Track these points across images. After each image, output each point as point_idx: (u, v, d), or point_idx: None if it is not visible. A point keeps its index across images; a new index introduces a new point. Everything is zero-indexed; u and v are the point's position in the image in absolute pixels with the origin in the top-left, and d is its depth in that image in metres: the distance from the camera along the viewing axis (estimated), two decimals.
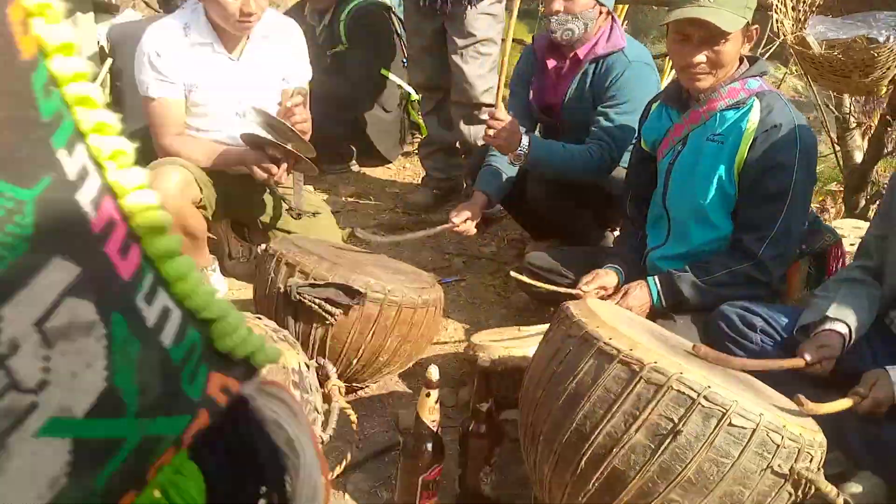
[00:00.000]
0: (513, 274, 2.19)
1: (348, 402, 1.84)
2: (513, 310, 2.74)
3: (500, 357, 2.08)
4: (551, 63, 2.72)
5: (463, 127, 3.34)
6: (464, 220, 2.54)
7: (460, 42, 3.16)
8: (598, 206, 2.74)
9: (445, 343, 2.52)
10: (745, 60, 2.07)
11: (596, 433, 1.39)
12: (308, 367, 1.68)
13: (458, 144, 3.50)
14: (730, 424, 1.32)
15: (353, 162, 4.08)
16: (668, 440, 1.34)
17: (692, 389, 1.33)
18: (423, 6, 3.11)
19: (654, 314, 2.04)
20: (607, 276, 2.17)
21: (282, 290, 1.97)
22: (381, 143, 4.03)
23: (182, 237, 2.34)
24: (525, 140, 2.44)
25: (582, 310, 1.57)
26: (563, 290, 2.12)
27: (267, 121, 2.32)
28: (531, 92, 2.78)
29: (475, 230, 2.61)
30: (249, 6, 2.33)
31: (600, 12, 2.57)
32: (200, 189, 2.43)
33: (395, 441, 1.99)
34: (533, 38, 2.91)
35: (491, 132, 2.44)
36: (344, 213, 3.53)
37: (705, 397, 1.32)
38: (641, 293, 2.06)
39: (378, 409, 2.17)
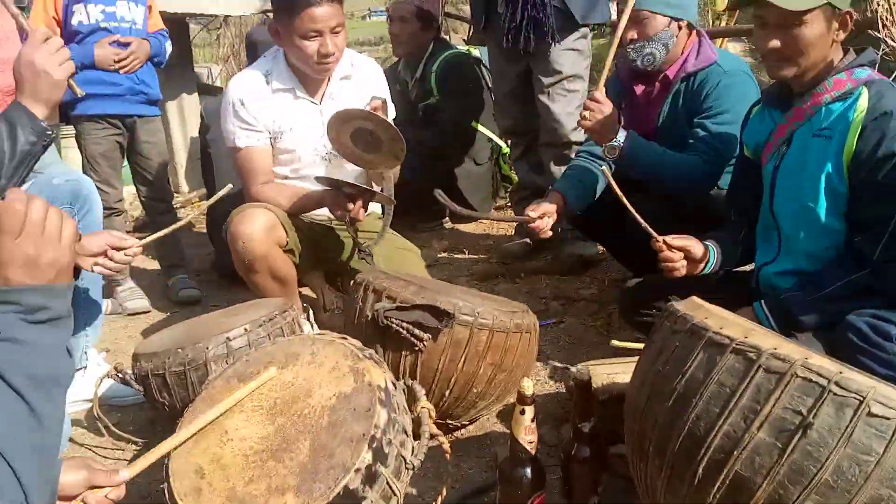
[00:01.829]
0: (615, 343, 2.05)
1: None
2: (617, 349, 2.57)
3: (603, 385, 1.94)
4: (639, 89, 2.62)
5: (554, 168, 3.27)
6: (540, 216, 2.41)
7: (546, 80, 3.13)
8: (701, 229, 2.57)
9: (545, 383, 2.38)
10: (851, 50, 1.91)
11: (712, 435, 1.23)
12: (395, 385, 1.58)
13: (549, 188, 3.41)
14: (869, 414, 1.13)
15: (446, 218, 4.06)
16: (797, 437, 1.16)
17: (821, 376, 1.16)
18: (507, 47, 3.10)
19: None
20: (698, 244, 2.01)
21: (369, 317, 1.91)
22: (473, 197, 4.00)
23: (271, 282, 2.37)
24: (622, 133, 2.34)
25: (687, 304, 1.42)
26: (644, 224, 1.94)
27: (352, 125, 2.33)
28: (622, 117, 2.69)
29: (550, 232, 2.47)
30: (327, 47, 2.37)
31: (679, 28, 2.46)
32: (286, 232, 2.43)
33: (494, 480, 1.86)
34: (616, 65, 2.83)
35: (587, 114, 2.35)
36: (438, 266, 3.48)
37: (837, 383, 1.15)
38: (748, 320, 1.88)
39: (475, 450, 2.04)
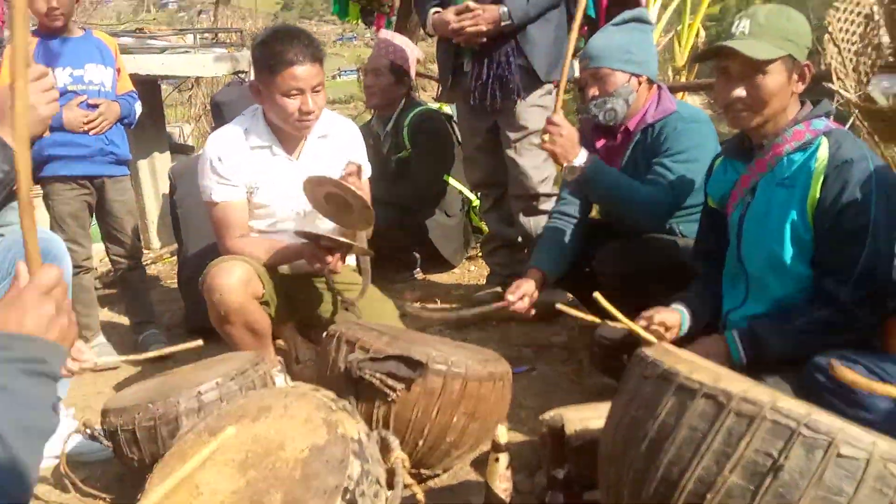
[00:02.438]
0: (559, 307, 2.03)
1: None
2: (588, 395, 2.58)
3: (576, 431, 1.94)
4: (600, 143, 2.70)
5: (523, 219, 3.31)
6: (520, 298, 2.43)
7: (513, 136, 3.19)
8: (675, 286, 2.61)
9: (518, 431, 2.37)
10: (808, 102, 1.99)
11: (685, 479, 1.24)
12: (369, 436, 1.58)
13: (519, 239, 3.45)
14: (838, 455, 1.15)
15: (418, 270, 4.08)
16: (768, 479, 1.18)
17: (790, 418, 1.18)
18: (474, 104, 3.16)
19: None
20: (670, 313, 2.03)
21: (342, 368, 1.91)
22: (444, 248, 4.03)
23: (245, 334, 2.36)
24: (584, 153, 2.39)
25: (657, 350, 1.44)
26: (623, 320, 1.94)
27: (325, 190, 2.35)
28: None
29: (532, 312, 2.48)
30: (308, 105, 2.40)
31: (639, 83, 2.54)
32: (263, 284, 2.43)
33: None
34: (580, 118, 2.90)
35: (547, 137, 2.39)
36: (410, 317, 3.47)
37: (806, 425, 1.17)
38: (717, 345, 1.90)
39: (449, 498, 2.02)
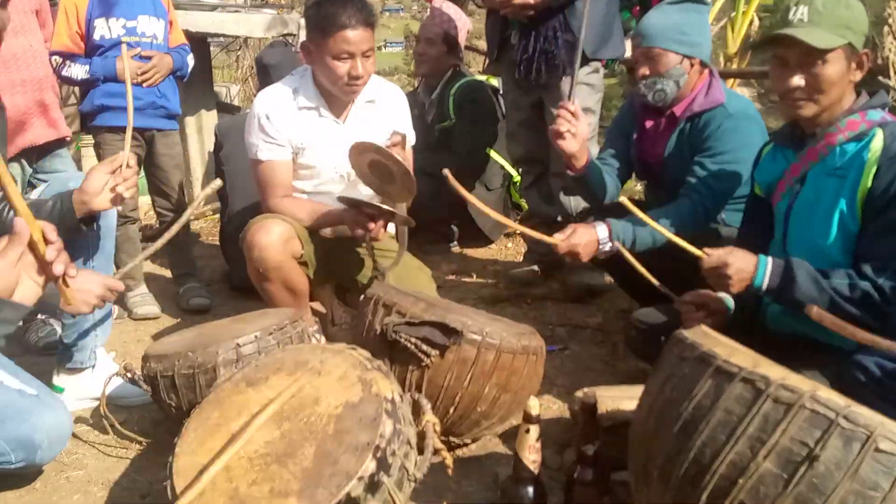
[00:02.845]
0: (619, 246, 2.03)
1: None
2: (621, 377, 2.58)
3: (608, 411, 1.94)
4: (649, 123, 2.66)
5: (563, 198, 3.29)
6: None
7: (557, 112, 3.16)
8: None
9: (548, 408, 2.38)
10: (864, 93, 1.95)
11: (718, 462, 1.23)
12: (402, 397, 1.60)
13: (558, 218, 3.44)
14: (876, 450, 1.14)
15: (455, 243, 4.09)
16: (802, 468, 1.17)
17: (829, 408, 1.17)
18: (519, 78, 3.14)
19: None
20: (715, 298, 2.01)
21: (378, 330, 1.92)
22: (483, 223, 4.02)
23: (283, 292, 2.39)
24: (602, 233, 2.31)
25: (696, 332, 1.43)
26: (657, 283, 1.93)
27: (370, 157, 2.35)
28: (632, 147, 2.72)
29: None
30: (357, 70, 2.41)
31: (691, 65, 2.50)
32: (302, 245, 2.46)
33: (493, 500, 1.86)
34: (631, 94, 2.86)
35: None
36: (445, 288, 3.49)
37: (845, 417, 1.16)
38: (745, 261, 1.87)
39: (477, 469, 2.04)
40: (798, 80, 1.87)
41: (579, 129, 2.42)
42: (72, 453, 2.10)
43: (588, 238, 2.31)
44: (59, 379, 2.33)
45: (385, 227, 2.43)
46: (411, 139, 2.72)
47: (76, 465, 2.07)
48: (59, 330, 2.59)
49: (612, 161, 2.76)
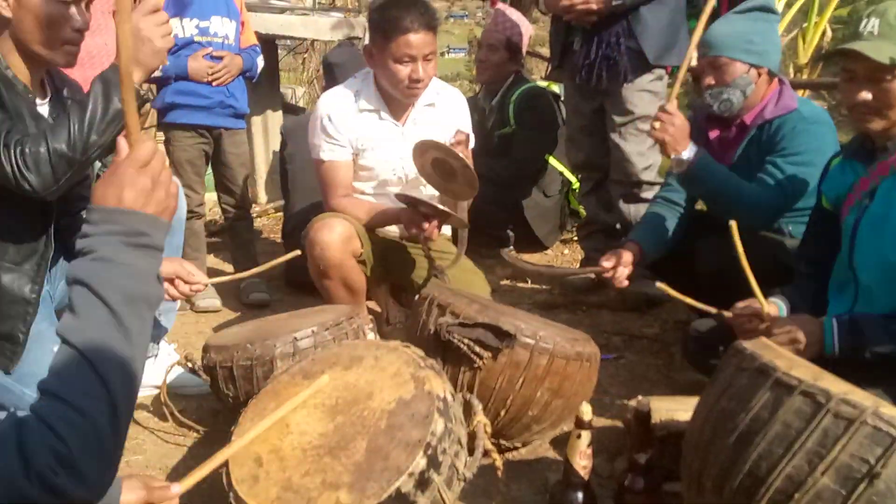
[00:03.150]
0: (658, 285, 1.98)
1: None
2: (676, 388, 2.54)
3: (662, 420, 1.92)
4: (714, 133, 2.61)
5: (623, 206, 3.26)
6: (614, 266, 2.39)
7: (618, 119, 3.14)
8: (772, 281, 2.52)
9: (601, 416, 2.36)
10: None
11: (773, 476, 1.22)
12: (454, 397, 1.61)
13: (617, 226, 3.40)
14: None
15: (511, 248, 4.08)
16: (862, 485, 1.14)
17: (892, 426, 1.14)
18: (581, 83, 3.12)
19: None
20: (768, 304, 1.97)
21: (432, 330, 1.94)
22: (539, 229, 4.01)
23: (341, 290, 2.43)
24: (692, 147, 2.34)
25: (755, 343, 1.41)
26: (713, 310, 1.91)
27: (434, 154, 2.38)
28: None
29: (627, 282, 2.44)
30: (418, 73, 2.44)
31: (759, 74, 2.44)
32: (361, 243, 2.49)
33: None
34: (694, 107, 2.82)
35: (657, 124, 2.35)
36: (500, 292, 3.49)
37: None
38: (813, 329, 1.81)
39: (527, 473, 2.04)
40: (866, 95, 1.83)
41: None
42: (132, 438, 2.17)
43: (682, 127, 2.34)
44: None
45: (440, 227, 2.45)
46: (471, 143, 2.74)
47: (136, 449, 2.14)
48: None
49: (674, 187, 2.68)
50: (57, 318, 2.06)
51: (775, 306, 2.02)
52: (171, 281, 2.07)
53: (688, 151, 2.36)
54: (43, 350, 1.81)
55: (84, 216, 1.16)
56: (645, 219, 2.67)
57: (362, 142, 2.59)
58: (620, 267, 2.43)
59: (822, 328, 1.81)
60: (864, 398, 1.19)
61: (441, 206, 2.39)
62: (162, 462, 2.08)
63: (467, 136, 2.52)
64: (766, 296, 2.03)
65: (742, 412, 1.29)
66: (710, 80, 2.48)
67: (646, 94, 3.12)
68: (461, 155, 2.32)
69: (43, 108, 1.97)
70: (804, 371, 1.26)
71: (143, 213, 1.15)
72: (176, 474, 2.02)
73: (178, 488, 1.43)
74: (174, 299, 2.16)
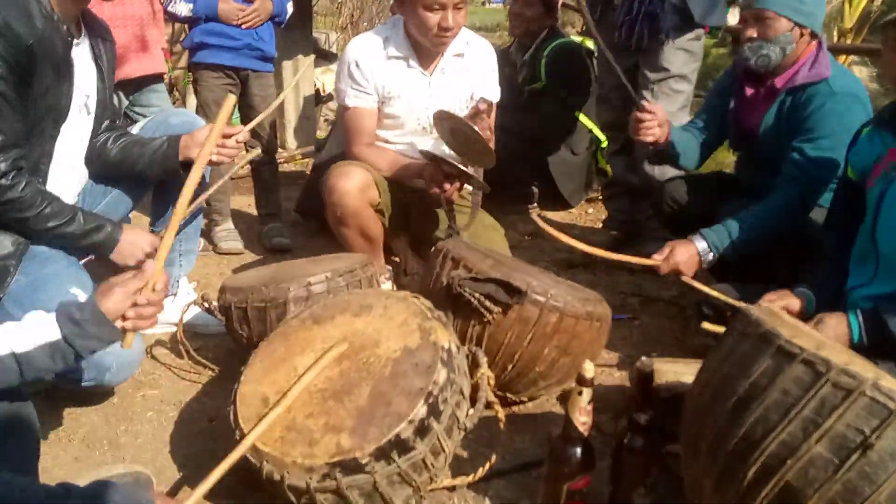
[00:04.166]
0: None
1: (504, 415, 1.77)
2: (689, 352, 2.53)
3: (668, 382, 1.93)
4: (750, 90, 2.55)
5: (647, 167, 3.22)
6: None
7: (652, 76, 3.07)
8: (797, 252, 2.49)
9: (611, 374, 2.37)
10: None
11: (768, 441, 1.22)
12: (459, 349, 1.63)
13: (643, 187, 3.37)
14: None
15: (535, 204, 4.06)
16: (855, 455, 1.14)
17: (890, 398, 1.14)
18: (618, 41, 3.06)
19: None
20: (792, 298, 1.95)
21: (444, 283, 1.95)
22: (565, 186, 3.98)
23: (358, 238, 2.45)
24: (701, 244, 2.29)
25: (763, 310, 1.40)
26: (738, 304, 1.90)
27: (451, 125, 2.35)
28: (729, 115, 2.63)
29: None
30: (448, 21, 2.41)
31: (801, 34, 2.37)
32: (380, 193, 2.50)
33: (544, 456, 1.88)
34: (735, 60, 2.76)
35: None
36: (520, 249, 3.49)
37: None
38: (839, 325, 1.81)
39: (531, 426, 2.07)
40: None
41: (658, 118, 2.42)
42: (149, 373, 2.24)
43: (689, 254, 2.29)
44: None
45: (460, 188, 2.45)
46: (496, 96, 2.71)
47: (152, 384, 2.20)
48: None
49: (700, 126, 2.69)
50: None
51: (802, 299, 2.00)
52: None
53: (704, 255, 2.31)
54: (59, 290, 1.86)
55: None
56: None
57: (389, 89, 2.58)
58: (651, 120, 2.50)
59: (849, 326, 1.81)
60: (864, 369, 1.18)
61: (463, 167, 2.37)
62: (176, 398, 2.13)
63: (489, 104, 2.49)
64: (791, 288, 2.02)
65: (742, 377, 1.29)
66: (752, 33, 2.40)
67: (682, 53, 3.05)
68: (480, 134, 2.30)
69: (79, 48, 2.00)
70: (807, 340, 1.25)
71: (106, 329, 1.35)
72: (189, 410, 2.08)
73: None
74: (230, 157, 2.20)
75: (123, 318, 1.38)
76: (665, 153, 2.52)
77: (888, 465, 1.12)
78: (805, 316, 1.96)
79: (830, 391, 1.18)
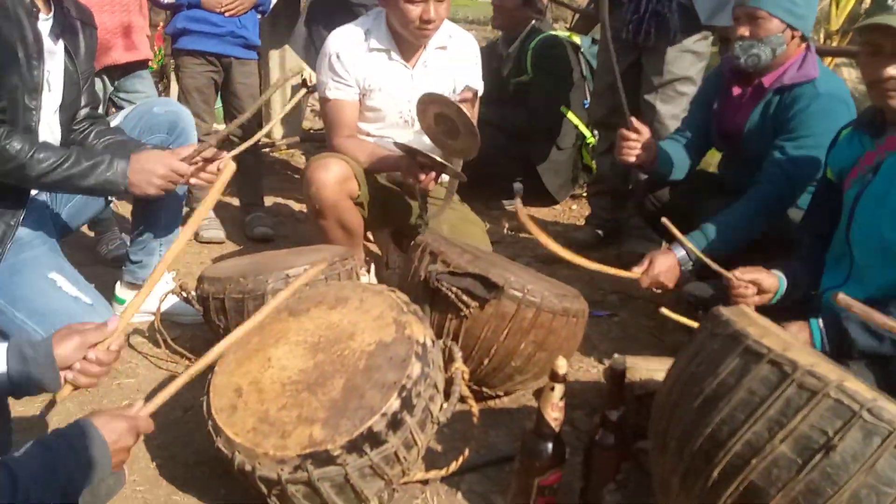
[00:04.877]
0: (663, 311, 1.89)
1: (478, 410, 1.77)
2: (667, 351, 2.54)
3: (642, 379, 1.94)
4: (736, 90, 2.56)
5: (634, 169, 3.22)
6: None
7: (657, 80, 3.05)
8: (774, 253, 2.51)
9: (588, 370, 2.39)
10: None
11: (733, 441, 1.23)
12: (434, 343, 1.63)
13: (630, 187, 3.37)
14: None
15: (518, 200, 4.04)
16: (818, 456, 1.15)
17: (854, 400, 1.15)
18: (625, 38, 3.04)
19: None
20: (768, 276, 1.96)
21: (422, 277, 1.96)
22: (550, 182, 3.98)
23: (338, 230, 2.44)
24: (680, 253, 2.26)
25: (733, 311, 1.41)
26: (726, 273, 1.92)
27: (437, 109, 2.35)
28: (713, 117, 2.63)
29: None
30: (430, 13, 2.40)
31: (792, 37, 2.38)
32: (359, 185, 2.50)
33: (515, 452, 1.89)
34: (722, 59, 2.77)
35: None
36: (503, 244, 3.50)
37: (869, 410, 1.14)
38: (801, 332, 1.82)
39: (506, 421, 2.08)
40: (893, 71, 1.78)
41: (643, 139, 2.42)
42: (125, 362, 2.23)
43: (668, 264, 2.27)
44: (121, 291, 2.46)
45: (437, 179, 2.43)
46: (480, 89, 2.71)
47: (128, 373, 2.20)
48: (128, 245, 2.71)
49: (687, 134, 2.69)
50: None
51: (776, 279, 2.01)
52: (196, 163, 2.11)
53: (684, 264, 2.28)
54: (37, 275, 1.85)
55: None
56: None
57: (370, 82, 2.57)
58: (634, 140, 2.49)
59: (811, 334, 1.82)
60: (829, 371, 1.19)
61: (438, 158, 2.37)
62: (152, 387, 2.13)
63: (475, 92, 2.49)
64: (767, 267, 2.04)
65: (710, 377, 1.30)
66: (743, 31, 2.40)
67: (689, 55, 3.03)
68: (468, 115, 2.29)
69: (45, 23, 1.98)
70: (775, 340, 1.27)
71: (104, 465, 1.24)
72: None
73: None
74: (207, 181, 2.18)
75: (70, 367, 1.32)
76: (652, 173, 2.51)
77: (850, 466, 1.13)
78: (773, 300, 1.98)
79: (795, 392, 1.19)
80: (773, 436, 1.19)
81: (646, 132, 2.52)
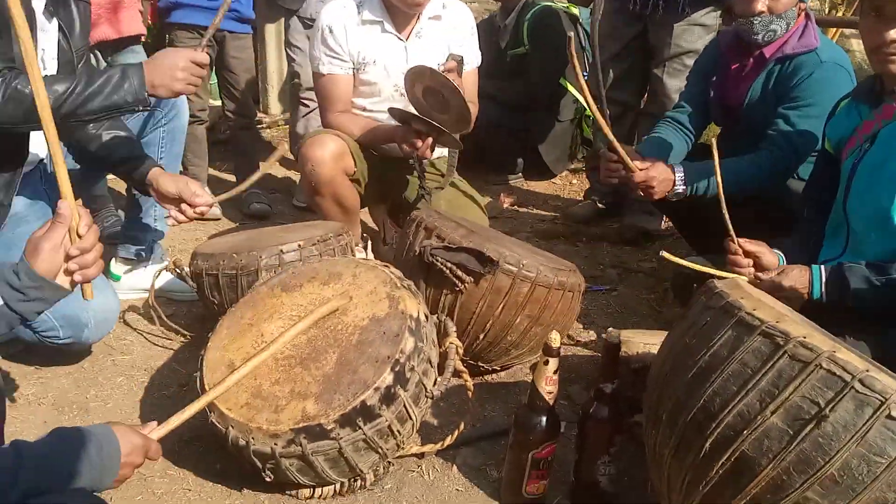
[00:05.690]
0: (663, 254, 1.88)
1: (473, 385, 1.77)
2: (664, 324, 2.54)
3: (638, 353, 1.94)
4: (735, 64, 2.53)
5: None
6: (648, 173, 2.20)
7: (665, 53, 3.02)
8: (777, 225, 2.49)
9: (585, 343, 2.38)
10: None
11: (725, 412, 1.23)
12: (427, 318, 1.63)
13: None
14: (888, 417, 1.11)
15: (519, 174, 4.03)
16: (809, 426, 1.15)
17: (846, 371, 1.14)
18: (633, 9, 2.99)
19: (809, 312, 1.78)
20: (770, 253, 1.95)
21: (417, 252, 1.95)
22: (548, 154, 3.96)
23: (334, 207, 2.43)
24: (679, 173, 2.24)
25: (727, 283, 1.41)
26: (717, 272, 1.90)
27: (426, 83, 2.31)
28: (712, 90, 2.60)
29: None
30: None
31: (800, 10, 2.37)
32: (355, 161, 2.48)
33: (509, 426, 1.89)
34: (718, 33, 2.73)
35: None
36: (502, 219, 3.48)
37: (861, 381, 1.13)
38: (800, 276, 1.80)
39: (502, 395, 2.08)
40: (895, 34, 1.75)
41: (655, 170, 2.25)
42: (120, 339, 2.23)
43: (665, 176, 2.25)
44: (116, 267, 2.46)
45: (433, 146, 2.40)
46: (476, 61, 2.67)
47: (123, 350, 2.20)
48: (123, 221, 2.71)
49: (686, 110, 2.65)
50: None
51: (776, 257, 2.00)
52: (176, 202, 2.06)
53: (678, 184, 2.26)
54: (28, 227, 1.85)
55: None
56: (651, 140, 2.59)
57: (364, 55, 2.54)
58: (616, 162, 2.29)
59: (811, 274, 1.80)
60: (821, 342, 1.18)
61: (434, 122, 2.34)
62: (148, 363, 2.13)
63: (460, 60, 2.45)
64: (770, 246, 2.02)
65: (703, 349, 1.30)
66: (761, 7, 2.38)
67: (698, 28, 3.00)
68: (456, 87, 2.26)
69: (37, 1, 1.95)
70: (768, 312, 1.26)
71: (110, 476, 1.25)
72: (160, 375, 2.08)
73: (157, 433, 1.39)
74: (180, 223, 2.12)
75: (68, 272, 1.31)
76: (697, 195, 2.34)
77: (842, 436, 1.12)
78: None
79: (788, 363, 1.18)
80: (764, 407, 1.19)
81: (657, 172, 2.26)
